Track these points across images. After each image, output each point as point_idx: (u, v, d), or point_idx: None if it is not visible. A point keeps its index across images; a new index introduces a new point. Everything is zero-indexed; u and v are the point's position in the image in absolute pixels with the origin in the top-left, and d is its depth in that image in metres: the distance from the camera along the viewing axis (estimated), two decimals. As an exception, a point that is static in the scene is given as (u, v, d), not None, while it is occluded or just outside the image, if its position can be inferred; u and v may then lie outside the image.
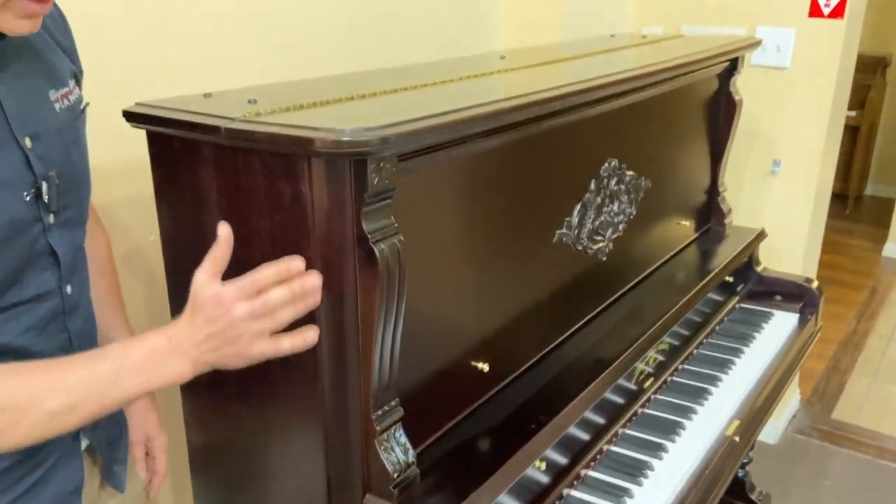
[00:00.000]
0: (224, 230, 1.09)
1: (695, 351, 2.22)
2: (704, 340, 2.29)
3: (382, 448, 1.26)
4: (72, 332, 1.15)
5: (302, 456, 1.32)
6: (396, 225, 1.19)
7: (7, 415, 0.95)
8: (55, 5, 1.19)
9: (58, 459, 1.15)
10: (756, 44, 2.49)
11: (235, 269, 1.25)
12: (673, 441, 1.81)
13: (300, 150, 1.09)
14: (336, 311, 1.20)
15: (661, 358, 2.05)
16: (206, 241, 1.27)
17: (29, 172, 1.02)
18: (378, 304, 1.18)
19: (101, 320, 1.30)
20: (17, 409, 0.95)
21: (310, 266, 1.16)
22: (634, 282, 2.14)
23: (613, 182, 1.91)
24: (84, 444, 1.24)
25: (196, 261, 1.27)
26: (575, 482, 1.63)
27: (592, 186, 1.82)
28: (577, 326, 1.86)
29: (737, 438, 1.90)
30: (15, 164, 1.00)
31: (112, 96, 1.39)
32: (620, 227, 1.99)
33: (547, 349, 1.75)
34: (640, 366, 1.91)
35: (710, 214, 2.65)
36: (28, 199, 1.02)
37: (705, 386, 2.03)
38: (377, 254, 1.14)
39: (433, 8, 2.59)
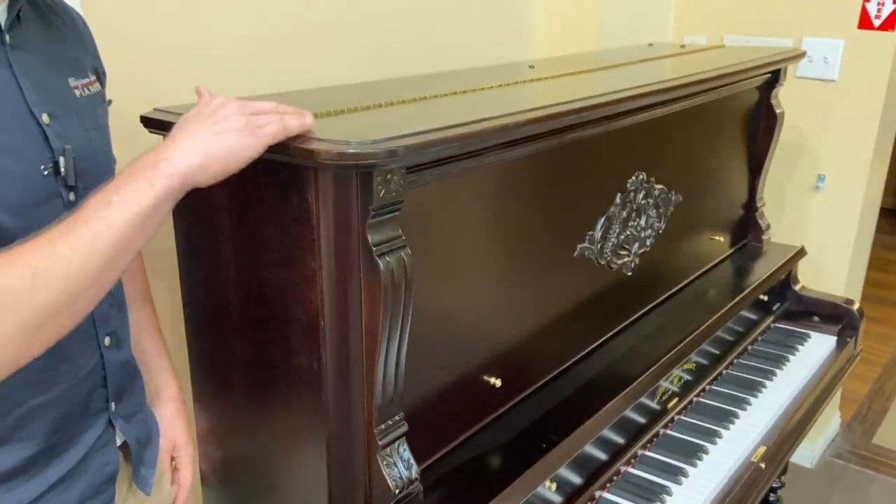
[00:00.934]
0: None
1: (724, 371, 2.15)
2: (735, 361, 2.22)
3: (385, 463, 1.24)
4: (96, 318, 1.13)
5: (305, 469, 1.31)
6: (403, 238, 1.17)
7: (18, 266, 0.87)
8: (79, 16, 1.21)
9: (91, 447, 1.16)
10: (799, 56, 2.41)
11: (244, 278, 1.25)
12: (694, 465, 1.75)
13: (306, 160, 1.08)
14: (340, 323, 1.19)
15: (687, 377, 1.99)
16: (218, 249, 1.28)
17: (46, 147, 1.02)
18: (382, 317, 1.16)
19: (132, 325, 1.30)
20: (27, 258, 0.88)
21: (315, 277, 1.16)
22: (662, 298, 2.09)
23: (641, 196, 1.87)
24: (119, 440, 1.24)
25: (208, 269, 1.28)
26: (589, 504, 1.60)
27: (618, 200, 1.78)
28: (598, 343, 1.82)
29: (762, 465, 1.83)
30: (32, 138, 1.00)
31: (138, 103, 1.39)
32: (648, 241, 1.95)
33: (565, 366, 1.71)
34: (664, 384, 1.86)
35: (746, 230, 2.57)
36: (46, 172, 1.01)
37: (732, 409, 1.97)
38: (381, 266, 1.13)
39: (471, 15, 2.57)
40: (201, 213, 1.28)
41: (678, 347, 1.87)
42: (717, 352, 2.17)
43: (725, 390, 2.06)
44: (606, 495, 1.64)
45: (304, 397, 1.25)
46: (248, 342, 1.31)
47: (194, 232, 1.32)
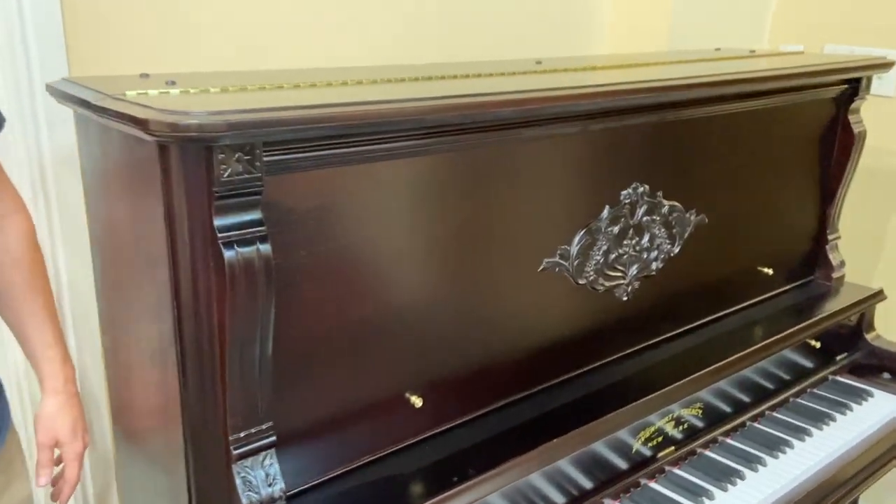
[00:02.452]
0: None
1: (748, 423, 1.86)
2: (767, 413, 1.91)
3: (240, 476, 1.12)
4: None
5: (168, 475, 1.21)
6: (264, 228, 1.04)
7: None
8: None
9: None
10: (883, 65, 2.05)
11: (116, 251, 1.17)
12: (665, 528, 1.50)
13: (144, 131, 0.98)
14: (196, 316, 1.08)
15: (696, 423, 1.73)
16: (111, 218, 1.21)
17: None
18: (229, 315, 1.04)
19: (12, 313, 1.26)
20: None
21: (168, 262, 1.06)
22: (678, 331, 1.83)
23: (641, 211, 1.64)
24: None
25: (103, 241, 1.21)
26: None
27: (605, 213, 1.56)
28: (574, 373, 1.60)
29: (758, 538, 1.55)
30: None
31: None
32: (653, 265, 1.70)
33: (521, 394, 1.51)
34: (660, 425, 1.61)
35: (813, 265, 2.24)
36: None
37: (738, 467, 1.68)
38: (226, 257, 1.01)
39: (537, 8, 2.40)
40: (96, 182, 1.22)
41: (676, 385, 1.62)
42: (745, 398, 1.88)
43: (739, 444, 1.77)
44: (545, 547, 1.43)
45: (161, 394, 1.15)
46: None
47: (92, 198, 1.26)
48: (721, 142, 1.79)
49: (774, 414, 1.92)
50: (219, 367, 1.09)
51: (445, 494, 1.24)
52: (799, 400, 1.99)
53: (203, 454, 1.15)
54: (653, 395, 1.56)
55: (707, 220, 1.80)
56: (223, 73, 1.45)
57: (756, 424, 1.87)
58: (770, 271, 2.07)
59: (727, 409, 1.83)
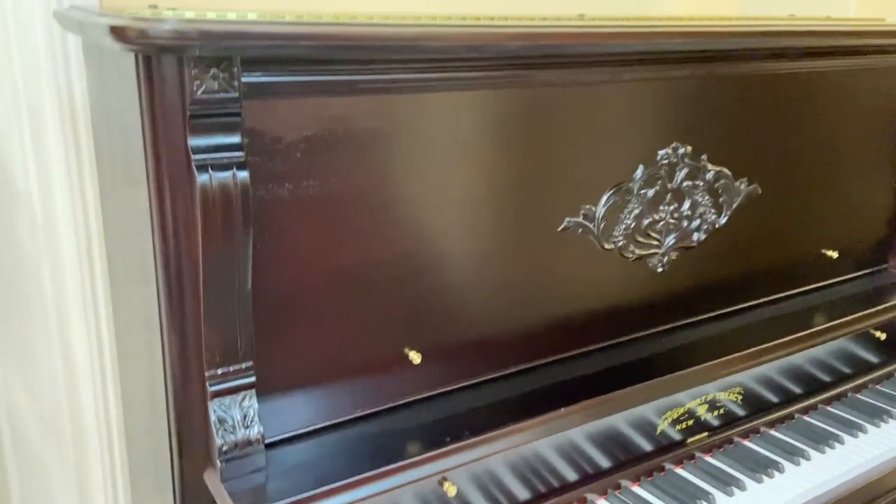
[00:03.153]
0: None
1: (797, 415, 1.70)
2: (820, 406, 1.75)
3: (216, 415, 1.08)
4: None
5: (151, 413, 1.18)
6: (242, 155, 0.99)
7: None
8: None
9: None
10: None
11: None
12: (684, 515, 1.38)
13: (118, 39, 0.93)
14: (175, 244, 1.04)
15: (735, 409, 1.60)
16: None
17: None
18: (205, 244, 0.99)
19: None
20: None
21: (143, 184, 1.02)
22: (723, 310, 1.69)
23: (681, 175, 1.51)
24: None
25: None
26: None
27: (639, 174, 1.45)
28: (595, 346, 1.50)
29: (792, 537, 1.41)
30: None
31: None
32: (694, 236, 1.58)
33: (532, 363, 1.42)
34: (693, 408, 1.49)
35: (886, 252, 2.04)
36: None
37: (778, 459, 1.54)
38: (198, 182, 0.96)
39: None
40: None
41: (708, 364, 1.49)
42: (795, 389, 1.72)
43: (783, 436, 1.62)
44: (548, 523, 1.34)
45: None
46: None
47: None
48: (783, 104, 1.63)
49: (829, 408, 1.76)
50: (199, 299, 1.04)
51: (436, 452, 1.17)
52: (858, 395, 1.82)
53: (184, 391, 1.12)
54: (679, 372, 1.44)
55: (760, 191, 1.66)
56: (239, 9, 1.41)
57: (806, 417, 1.71)
58: (834, 255, 1.89)
59: (773, 398, 1.68)
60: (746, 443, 1.60)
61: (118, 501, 1.57)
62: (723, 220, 1.61)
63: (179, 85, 0.95)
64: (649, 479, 1.47)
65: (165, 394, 1.14)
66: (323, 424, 1.21)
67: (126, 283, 1.34)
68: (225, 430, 1.08)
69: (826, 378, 1.79)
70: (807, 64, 1.63)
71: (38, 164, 1.41)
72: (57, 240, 1.43)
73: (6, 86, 1.37)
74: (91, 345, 1.46)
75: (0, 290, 1.44)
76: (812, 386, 1.75)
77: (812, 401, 1.73)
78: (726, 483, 1.45)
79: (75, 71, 1.39)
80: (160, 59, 0.95)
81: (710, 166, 1.55)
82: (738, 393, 1.59)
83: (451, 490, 1.21)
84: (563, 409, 1.30)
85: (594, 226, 1.42)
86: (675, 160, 1.49)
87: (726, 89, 1.53)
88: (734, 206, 1.62)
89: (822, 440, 1.60)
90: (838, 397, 1.79)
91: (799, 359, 1.70)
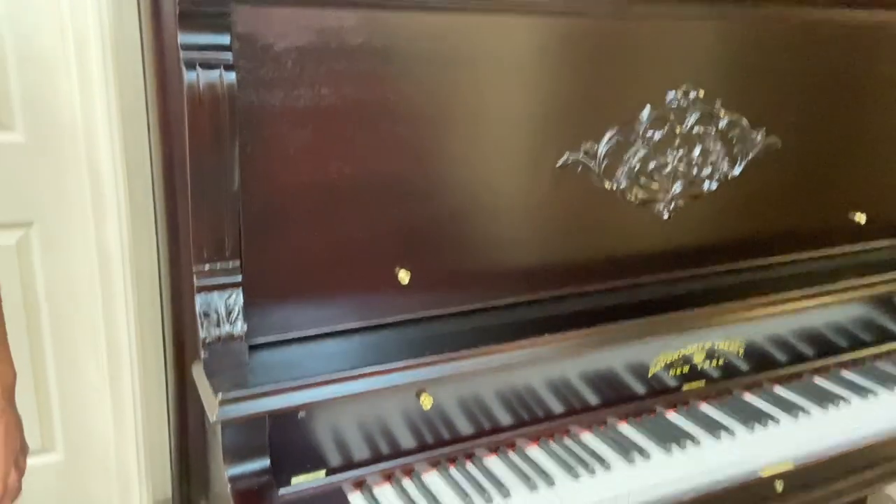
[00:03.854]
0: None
1: (807, 375, 1.67)
2: (833, 368, 1.71)
3: (201, 308, 1.14)
4: None
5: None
6: (230, 55, 1.05)
7: None
8: None
9: None
10: None
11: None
12: (667, 451, 1.38)
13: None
14: (166, 131, 1.10)
15: (740, 364, 1.58)
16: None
17: None
18: (191, 140, 1.05)
19: None
20: None
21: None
22: (734, 266, 1.67)
23: (692, 119, 1.50)
24: None
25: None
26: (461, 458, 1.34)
27: (646, 114, 1.44)
28: (589, 288, 1.50)
29: (778, 486, 1.39)
30: None
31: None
32: (705, 185, 1.56)
33: (525, 296, 1.44)
34: (688, 355, 1.49)
35: (924, 222, 1.96)
36: None
37: (773, 413, 1.52)
38: (186, 79, 1.02)
39: None
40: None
41: (700, 309, 1.48)
42: (807, 350, 1.69)
43: (785, 394, 1.60)
44: (529, 450, 1.36)
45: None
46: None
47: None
48: (812, 55, 1.59)
49: (843, 372, 1.71)
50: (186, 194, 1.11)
51: (414, 362, 1.21)
52: (876, 363, 1.77)
53: (176, 283, 1.18)
54: (670, 314, 1.43)
55: (780, 144, 1.62)
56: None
57: (816, 378, 1.68)
58: (862, 219, 1.83)
59: (781, 356, 1.66)
60: (746, 395, 1.58)
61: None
62: (736, 171, 1.59)
63: (173, -17, 1.00)
64: (637, 419, 1.47)
65: (159, 288, 1.21)
66: (310, 333, 1.26)
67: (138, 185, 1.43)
68: (209, 323, 1.14)
69: (844, 343, 1.74)
70: (839, 13, 1.58)
71: (83, 92, 1.51)
72: (98, 157, 1.53)
73: (54, 18, 1.47)
74: (123, 241, 1.56)
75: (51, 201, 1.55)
76: (827, 349, 1.72)
77: (825, 362, 1.70)
78: (714, 428, 1.44)
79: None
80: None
81: (723, 113, 1.53)
82: (740, 345, 1.58)
83: (427, 402, 1.24)
84: (546, 336, 1.32)
85: (595, 164, 1.43)
86: (685, 103, 1.48)
87: (747, 33, 1.50)
88: (749, 156, 1.60)
89: (826, 399, 1.57)
90: (855, 363, 1.74)
91: (814, 320, 1.67)
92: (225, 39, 1.04)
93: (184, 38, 1.02)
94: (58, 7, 1.46)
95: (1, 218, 1.54)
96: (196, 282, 1.13)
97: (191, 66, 1.02)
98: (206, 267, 1.14)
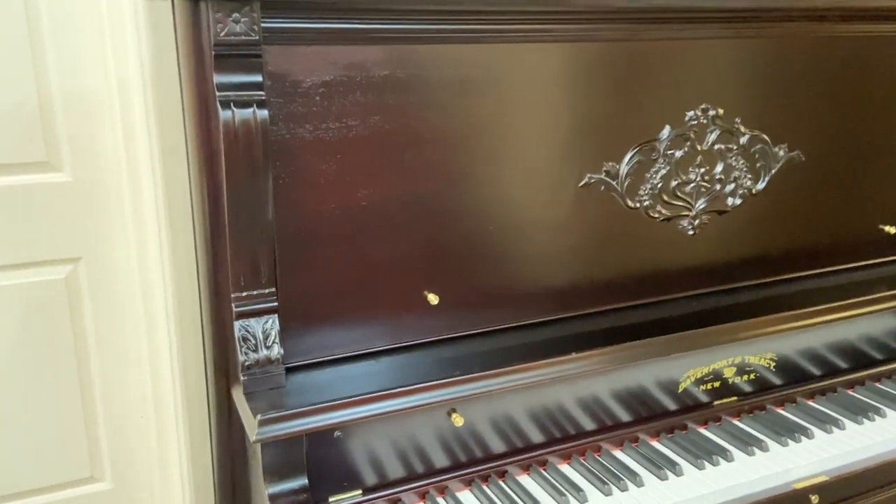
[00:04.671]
0: None
1: (839, 389, 1.67)
2: (867, 381, 1.70)
3: (240, 333, 1.19)
4: None
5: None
6: (262, 94, 1.11)
7: None
8: None
9: None
10: None
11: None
12: (700, 468, 1.39)
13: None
14: (206, 167, 1.16)
15: (773, 378, 1.58)
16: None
17: None
18: (227, 175, 1.11)
19: None
20: None
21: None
22: (763, 280, 1.68)
23: (712, 136, 1.52)
24: None
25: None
26: (494, 476, 1.36)
27: (666, 134, 1.47)
28: (616, 306, 1.52)
29: (813, 499, 1.39)
30: None
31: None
32: (728, 201, 1.58)
33: (552, 316, 1.47)
34: (718, 369, 1.50)
35: (957, 233, 1.95)
36: None
37: (808, 426, 1.51)
38: (221, 118, 1.08)
39: None
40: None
41: (730, 324, 1.49)
42: (840, 363, 1.69)
43: (820, 407, 1.60)
44: (561, 467, 1.38)
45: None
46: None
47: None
48: (829, 66, 1.61)
49: (877, 384, 1.71)
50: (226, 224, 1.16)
51: (444, 381, 1.24)
52: (915, 374, 1.75)
53: (219, 311, 1.24)
54: (698, 329, 1.45)
55: (803, 158, 1.64)
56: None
57: (849, 391, 1.67)
58: (891, 230, 1.83)
59: (813, 369, 1.65)
60: (779, 410, 1.58)
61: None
62: (760, 186, 1.61)
63: (206, 28, 1.07)
64: (669, 435, 1.48)
65: (200, 318, 1.26)
66: (342, 354, 1.31)
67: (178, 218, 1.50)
68: (248, 347, 1.19)
69: (877, 354, 1.74)
70: (857, 27, 1.60)
71: (126, 131, 1.59)
72: (140, 193, 1.61)
73: (98, 61, 1.56)
74: (165, 273, 1.63)
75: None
76: (860, 361, 1.71)
77: (857, 375, 1.69)
78: (747, 443, 1.45)
79: (144, 41, 1.57)
80: (189, 5, 1.07)
81: (744, 129, 1.55)
82: (771, 359, 1.58)
83: (458, 420, 1.28)
84: (574, 354, 1.34)
85: (617, 183, 1.46)
86: (704, 121, 1.50)
87: (764, 51, 1.53)
88: (773, 171, 1.61)
89: (860, 412, 1.57)
90: (888, 374, 1.73)
91: (845, 332, 1.66)
92: (257, 78, 1.10)
93: (219, 78, 1.08)
94: (101, 50, 1.55)
95: (51, 254, 1.62)
96: (234, 308, 1.19)
97: (226, 104, 1.08)
98: (244, 294, 1.19)
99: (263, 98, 1.11)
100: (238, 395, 1.21)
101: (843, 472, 1.42)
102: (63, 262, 1.64)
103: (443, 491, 1.31)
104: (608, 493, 1.31)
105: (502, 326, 1.43)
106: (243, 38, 1.07)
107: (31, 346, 1.65)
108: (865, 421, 1.55)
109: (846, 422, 1.54)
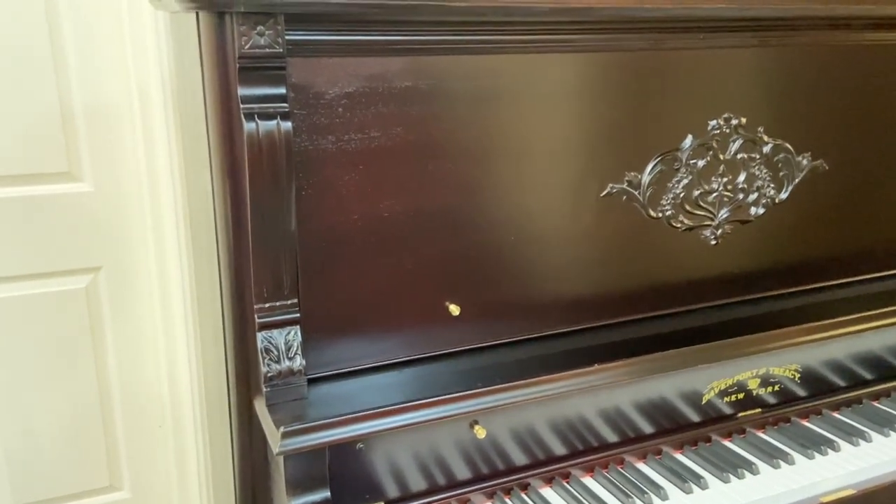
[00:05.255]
0: None
1: (865, 400, 1.65)
2: (892, 393, 1.68)
3: (262, 344, 1.19)
4: None
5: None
6: (286, 106, 1.11)
7: None
8: None
9: None
10: None
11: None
12: (725, 480, 1.37)
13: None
14: (230, 178, 1.16)
15: (797, 390, 1.57)
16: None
17: None
18: (251, 186, 1.11)
19: None
20: None
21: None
22: (787, 290, 1.66)
23: (735, 146, 1.51)
24: None
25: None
26: (516, 489, 1.35)
27: (688, 143, 1.46)
28: (637, 316, 1.51)
29: (840, 513, 1.37)
30: None
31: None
32: (752, 210, 1.57)
33: (575, 326, 1.46)
34: (742, 381, 1.49)
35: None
36: None
37: (834, 438, 1.50)
38: (245, 130, 1.08)
39: None
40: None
41: (753, 336, 1.47)
42: (866, 374, 1.67)
43: (846, 419, 1.58)
44: (584, 480, 1.37)
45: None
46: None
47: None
48: (852, 74, 1.59)
49: (903, 396, 1.68)
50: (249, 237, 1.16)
51: (467, 392, 1.24)
52: (940, 386, 1.73)
53: (241, 322, 1.24)
54: (719, 340, 1.43)
55: (827, 167, 1.62)
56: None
57: (875, 403, 1.65)
58: (917, 239, 1.81)
59: (838, 380, 1.63)
60: (804, 422, 1.56)
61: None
62: (784, 196, 1.59)
63: (231, 41, 1.07)
64: (693, 447, 1.47)
65: (223, 328, 1.26)
66: (364, 366, 1.30)
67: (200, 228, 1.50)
68: (270, 359, 1.19)
69: (903, 366, 1.71)
70: (882, 35, 1.59)
71: (146, 141, 1.60)
72: (160, 203, 1.61)
73: (119, 71, 1.57)
74: (185, 283, 1.63)
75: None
76: (886, 372, 1.69)
77: (884, 386, 1.67)
78: (772, 456, 1.43)
79: (165, 53, 1.57)
80: (214, 19, 1.08)
81: (767, 139, 1.54)
82: (795, 370, 1.56)
83: (480, 432, 1.27)
84: (597, 365, 1.33)
85: (639, 193, 1.45)
86: (727, 131, 1.49)
87: (786, 59, 1.52)
88: (796, 180, 1.60)
89: (887, 424, 1.55)
90: (916, 386, 1.71)
91: (871, 343, 1.64)
92: (281, 90, 1.10)
93: (243, 90, 1.08)
94: (122, 61, 1.56)
95: (72, 263, 1.63)
96: (257, 320, 1.18)
97: (250, 117, 1.08)
98: (267, 305, 1.19)
99: (287, 110, 1.11)
100: (260, 407, 1.20)
101: (870, 485, 1.41)
102: (83, 271, 1.65)
103: (465, 503, 1.31)
104: (632, 507, 1.30)
105: (524, 337, 1.42)
106: (268, 50, 1.07)
107: (52, 356, 1.65)
108: (892, 433, 1.53)
109: (873, 434, 1.52)
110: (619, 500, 1.31)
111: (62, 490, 1.74)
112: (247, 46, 1.06)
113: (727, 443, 1.49)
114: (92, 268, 1.65)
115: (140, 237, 1.65)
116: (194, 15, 1.13)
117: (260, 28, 1.06)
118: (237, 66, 1.07)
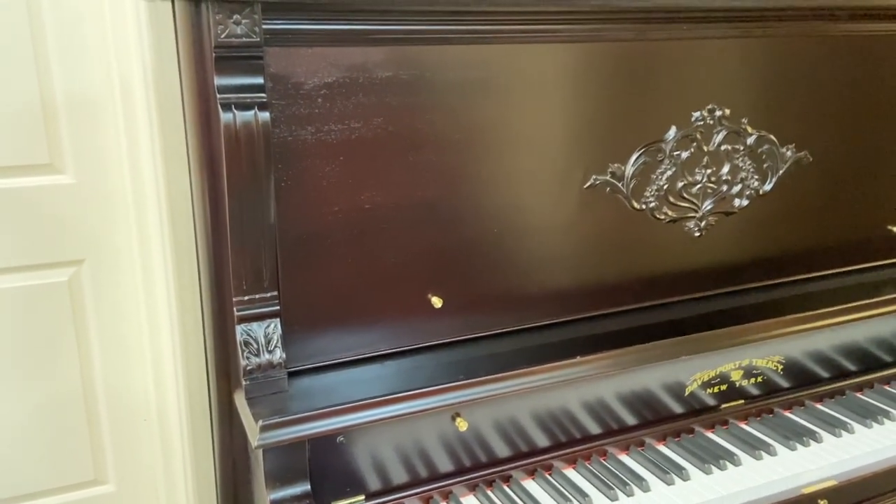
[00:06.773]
0: None
1: (847, 390, 1.65)
2: (876, 384, 1.69)
3: (241, 337, 1.18)
4: None
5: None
6: (264, 96, 1.10)
7: None
8: None
9: None
10: None
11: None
12: (707, 472, 1.37)
13: (157, -4, 1.07)
14: (207, 169, 1.16)
15: (780, 381, 1.57)
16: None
17: None
18: (229, 177, 1.10)
19: None
20: None
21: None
22: (770, 282, 1.66)
23: (718, 138, 1.51)
24: None
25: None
26: (498, 481, 1.35)
27: (671, 134, 1.46)
28: (624, 308, 1.51)
29: (823, 503, 1.37)
30: None
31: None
32: (735, 202, 1.56)
33: (559, 318, 1.46)
34: (725, 372, 1.49)
35: (968, 233, 1.93)
36: None
37: (816, 429, 1.50)
38: (222, 120, 1.07)
39: None
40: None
41: (735, 327, 1.47)
42: (849, 365, 1.67)
43: (829, 410, 1.58)
44: (566, 472, 1.37)
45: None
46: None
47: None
48: (836, 66, 1.59)
49: (886, 387, 1.69)
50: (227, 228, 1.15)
51: (448, 385, 1.23)
52: (923, 378, 1.73)
53: (220, 314, 1.23)
54: (703, 332, 1.43)
55: (811, 158, 1.62)
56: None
57: (857, 394, 1.65)
58: (903, 232, 1.81)
59: (820, 371, 1.64)
60: (787, 414, 1.57)
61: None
62: (768, 187, 1.59)
63: (207, 29, 1.06)
64: (676, 439, 1.47)
65: (202, 321, 1.25)
66: (346, 358, 1.30)
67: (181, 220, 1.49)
68: (250, 352, 1.18)
69: (885, 357, 1.72)
70: (866, 27, 1.58)
71: (129, 134, 1.59)
72: (143, 195, 1.60)
73: (101, 63, 1.55)
74: (167, 275, 1.62)
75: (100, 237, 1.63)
76: (868, 364, 1.69)
77: (866, 377, 1.67)
78: (755, 447, 1.43)
79: (147, 43, 1.56)
80: (190, 7, 1.06)
81: (751, 130, 1.53)
82: (778, 362, 1.56)
83: (462, 425, 1.26)
84: (580, 357, 1.33)
85: (623, 184, 1.44)
86: (711, 122, 1.49)
87: (770, 51, 1.51)
88: (780, 172, 1.60)
89: (869, 415, 1.55)
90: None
91: (853, 334, 1.65)
92: (259, 80, 1.09)
93: (220, 80, 1.07)
94: (104, 52, 1.54)
95: (54, 256, 1.61)
96: (236, 312, 1.18)
97: (227, 107, 1.07)
98: (246, 297, 1.18)
99: (265, 100, 1.10)
100: (240, 400, 1.20)
101: (852, 476, 1.41)
102: (66, 264, 1.64)
103: (447, 496, 1.30)
104: (614, 499, 1.30)
105: (507, 330, 1.41)
106: (244, 39, 1.06)
107: (35, 349, 1.64)
108: (874, 424, 1.53)
109: (855, 425, 1.52)
110: (601, 491, 1.31)
111: (47, 484, 1.73)
112: (223, 35, 1.05)
113: (710, 434, 1.49)
114: (75, 260, 1.64)
115: (123, 229, 1.64)
116: (170, 3, 1.12)
117: (236, 17, 1.05)
118: (213, 55, 1.06)
